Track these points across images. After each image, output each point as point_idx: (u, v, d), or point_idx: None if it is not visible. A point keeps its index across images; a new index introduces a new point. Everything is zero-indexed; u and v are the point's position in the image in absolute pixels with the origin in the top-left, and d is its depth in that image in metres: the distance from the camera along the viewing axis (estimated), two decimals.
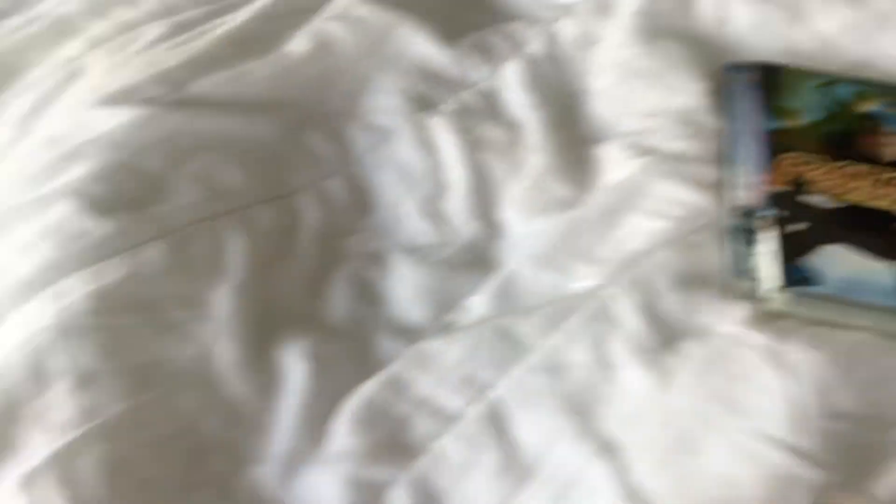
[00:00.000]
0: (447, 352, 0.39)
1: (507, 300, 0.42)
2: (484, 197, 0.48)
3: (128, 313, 0.40)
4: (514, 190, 0.47)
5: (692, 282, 0.40)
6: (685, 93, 0.49)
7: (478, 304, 0.43)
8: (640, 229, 0.42)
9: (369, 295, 0.45)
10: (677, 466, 0.33)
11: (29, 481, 0.34)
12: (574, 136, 0.50)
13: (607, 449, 0.35)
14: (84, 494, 0.34)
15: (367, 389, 0.39)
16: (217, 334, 0.40)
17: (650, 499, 0.32)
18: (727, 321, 0.38)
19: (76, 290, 0.40)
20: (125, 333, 0.39)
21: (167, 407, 0.38)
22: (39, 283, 0.40)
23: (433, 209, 0.48)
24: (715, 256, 0.41)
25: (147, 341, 0.39)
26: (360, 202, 0.49)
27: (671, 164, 0.45)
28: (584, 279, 0.41)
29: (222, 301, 0.42)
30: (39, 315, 0.39)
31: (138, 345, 0.39)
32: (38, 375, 0.37)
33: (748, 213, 0.42)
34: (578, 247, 0.43)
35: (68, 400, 0.37)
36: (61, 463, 0.35)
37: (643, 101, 0.49)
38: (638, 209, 0.43)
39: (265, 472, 0.38)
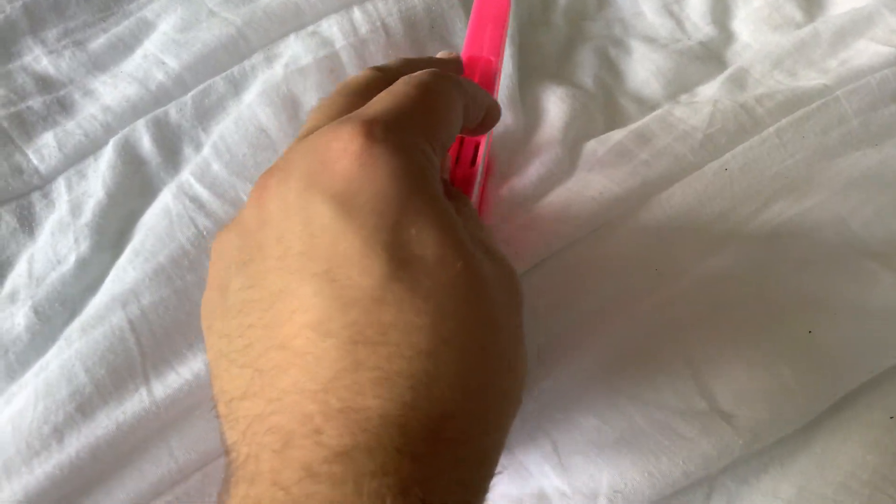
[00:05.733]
0: (689, 118, 0.47)
1: (739, 91, 0.49)
2: (721, 8, 0.54)
3: None
4: (751, 6, 0.53)
5: None
6: None
7: (710, 90, 0.50)
8: (867, 51, 0.49)
9: (613, 69, 0.52)
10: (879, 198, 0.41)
11: None
12: None
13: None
14: None
15: (616, 136, 0.47)
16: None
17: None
18: None
19: None
20: None
21: None
22: None
23: (671, 11, 0.54)
24: None
25: None
26: None
27: None
28: (811, 81, 0.48)
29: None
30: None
31: None
32: None
33: None
34: (809, 57, 0.50)
35: None
36: None
37: None
38: (866, 35, 0.50)
39: (522, 183, 0.46)
